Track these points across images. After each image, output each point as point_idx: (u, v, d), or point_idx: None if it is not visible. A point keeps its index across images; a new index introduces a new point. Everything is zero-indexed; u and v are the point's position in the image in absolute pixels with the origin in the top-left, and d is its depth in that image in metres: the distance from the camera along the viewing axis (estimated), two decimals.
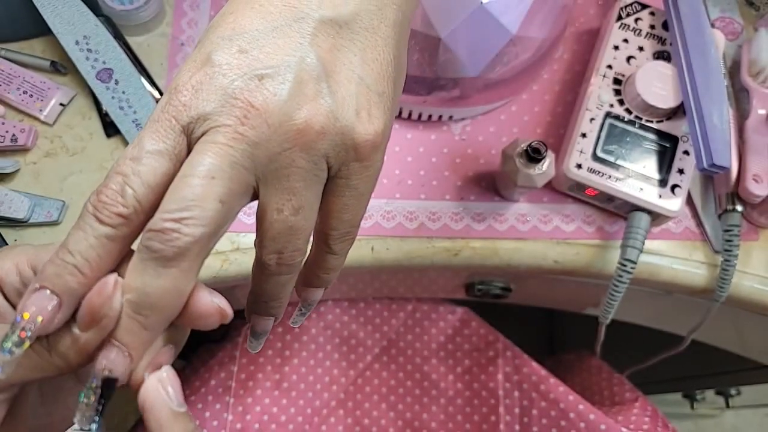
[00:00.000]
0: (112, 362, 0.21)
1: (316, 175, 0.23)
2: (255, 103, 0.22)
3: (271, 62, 0.22)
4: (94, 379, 0.21)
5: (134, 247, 0.23)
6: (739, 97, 0.52)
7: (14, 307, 0.25)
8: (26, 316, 0.20)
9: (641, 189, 0.47)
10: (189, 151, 0.22)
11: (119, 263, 0.22)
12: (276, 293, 0.26)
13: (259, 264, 0.24)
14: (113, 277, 0.21)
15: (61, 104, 0.53)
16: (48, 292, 0.21)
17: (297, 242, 0.24)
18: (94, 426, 0.21)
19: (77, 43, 0.51)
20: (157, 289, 0.21)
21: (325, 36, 0.23)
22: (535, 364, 0.65)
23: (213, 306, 0.23)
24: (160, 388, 0.22)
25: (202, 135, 0.22)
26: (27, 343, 0.21)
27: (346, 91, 0.23)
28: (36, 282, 0.21)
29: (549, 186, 0.51)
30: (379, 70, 0.25)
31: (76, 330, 0.21)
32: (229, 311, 0.23)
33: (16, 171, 0.51)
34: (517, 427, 0.63)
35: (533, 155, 0.44)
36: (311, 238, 0.26)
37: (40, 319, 0.20)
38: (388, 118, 0.25)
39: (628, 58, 0.51)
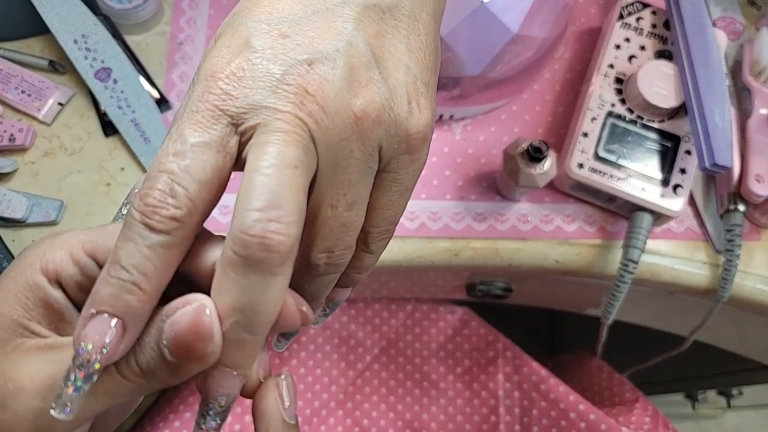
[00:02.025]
0: (226, 389, 0.20)
1: (370, 167, 0.22)
2: (309, 89, 0.20)
3: (317, 47, 0.21)
4: (210, 408, 0.20)
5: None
6: (741, 96, 0.52)
7: (76, 306, 0.22)
8: (89, 346, 0.18)
9: (643, 189, 0.47)
10: (240, 145, 0.20)
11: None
12: (317, 294, 0.24)
13: (305, 264, 0.22)
14: (207, 308, 0.19)
15: (60, 104, 0.53)
16: (107, 316, 0.18)
17: (348, 240, 0.22)
18: None
19: (75, 42, 0.51)
20: (266, 304, 0.19)
21: (370, 21, 0.22)
22: (535, 364, 0.64)
23: (298, 311, 0.21)
24: (278, 398, 0.21)
25: (257, 126, 0.20)
26: (95, 377, 0.18)
27: (396, 80, 0.22)
28: (91, 306, 0.19)
29: (550, 186, 0.51)
30: (423, 59, 0.23)
31: (172, 359, 0.19)
32: (311, 314, 0.22)
33: (14, 171, 0.51)
34: (517, 428, 0.63)
35: (534, 155, 0.44)
36: None
37: (104, 350, 0.18)
38: (433, 109, 0.24)
39: (630, 58, 0.50)
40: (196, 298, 0.19)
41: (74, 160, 0.52)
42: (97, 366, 0.18)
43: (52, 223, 0.50)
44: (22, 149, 0.52)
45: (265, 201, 0.18)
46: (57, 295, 0.22)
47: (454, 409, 0.65)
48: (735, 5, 0.57)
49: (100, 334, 0.18)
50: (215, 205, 0.20)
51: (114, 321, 0.18)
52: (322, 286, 0.24)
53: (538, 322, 1.23)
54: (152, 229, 0.19)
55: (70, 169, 0.52)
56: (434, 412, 0.65)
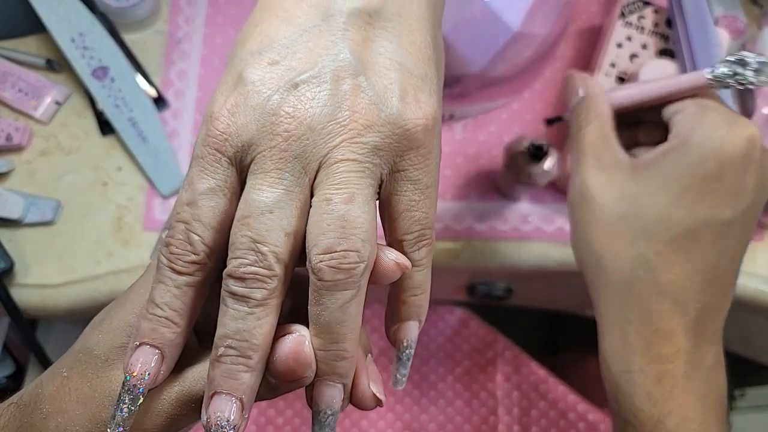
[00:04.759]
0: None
1: (368, 168, 0.22)
2: (295, 114, 0.21)
3: (304, 67, 0.22)
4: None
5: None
6: (743, 96, 0.52)
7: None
8: (134, 373, 0.21)
9: None
10: (242, 180, 0.22)
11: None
12: (335, 324, 0.21)
13: (312, 282, 0.21)
14: (306, 338, 0.21)
15: (57, 102, 0.52)
16: (149, 347, 0.22)
17: (352, 238, 0.21)
18: None
19: (73, 40, 0.51)
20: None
21: (356, 29, 0.23)
22: (534, 365, 0.64)
23: (393, 263, 0.23)
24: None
25: (251, 162, 0.21)
26: (141, 399, 0.21)
27: (387, 79, 0.22)
28: (135, 340, 0.22)
29: (552, 186, 0.51)
30: (419, 53, 0.24)
31: (273, 381, 0.22)
32: (406, 261, 0.23)
33: (11, 170, 0.51)
34: (516, 428, 0.62)
35: (536, 153, 0.43)
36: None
37: (147, 374, 0.21)
38: (436, 101, 0.24)
39: (632, 56, 0.50)
40: (296, 329, 0.22)
41: (71, 160, 0.51)
42: (142, 390, 0.21)
43: (49, 223, 0.50)
44: (18, 148, 0.51)
45: (243, 249, 0.21)
46: None
47: (453, 410, 0.65)
48: (737, 4, 0.56)
49: (143, 362, 0.21)
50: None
51: (155, 351, 0.22)
52: (337, 310, 0.21)
53: (538, 323, 1.23)
54: (177, 272, 0.22)
55: (66, 168, 0.51)
56: (433, 413, 0.65)
